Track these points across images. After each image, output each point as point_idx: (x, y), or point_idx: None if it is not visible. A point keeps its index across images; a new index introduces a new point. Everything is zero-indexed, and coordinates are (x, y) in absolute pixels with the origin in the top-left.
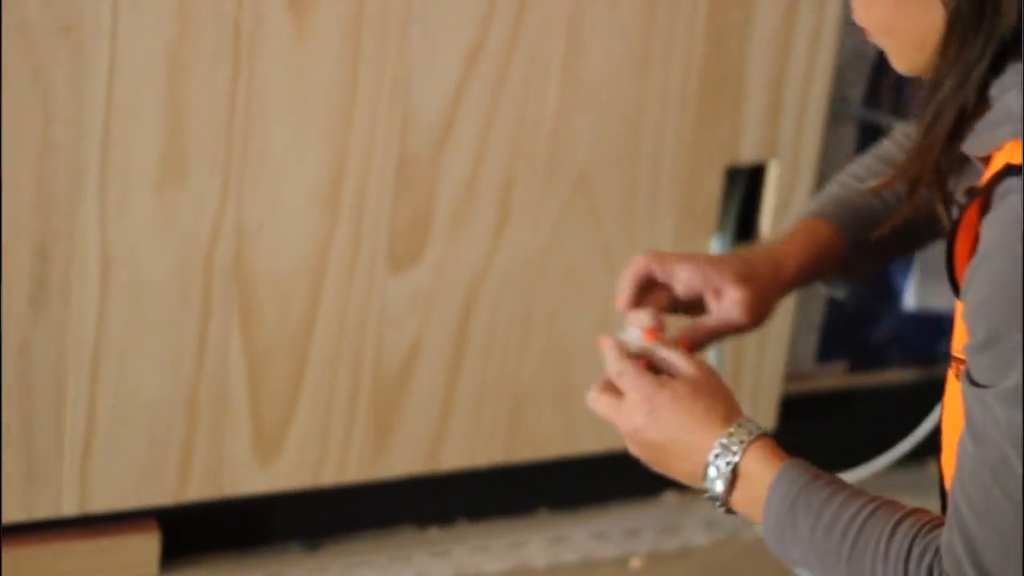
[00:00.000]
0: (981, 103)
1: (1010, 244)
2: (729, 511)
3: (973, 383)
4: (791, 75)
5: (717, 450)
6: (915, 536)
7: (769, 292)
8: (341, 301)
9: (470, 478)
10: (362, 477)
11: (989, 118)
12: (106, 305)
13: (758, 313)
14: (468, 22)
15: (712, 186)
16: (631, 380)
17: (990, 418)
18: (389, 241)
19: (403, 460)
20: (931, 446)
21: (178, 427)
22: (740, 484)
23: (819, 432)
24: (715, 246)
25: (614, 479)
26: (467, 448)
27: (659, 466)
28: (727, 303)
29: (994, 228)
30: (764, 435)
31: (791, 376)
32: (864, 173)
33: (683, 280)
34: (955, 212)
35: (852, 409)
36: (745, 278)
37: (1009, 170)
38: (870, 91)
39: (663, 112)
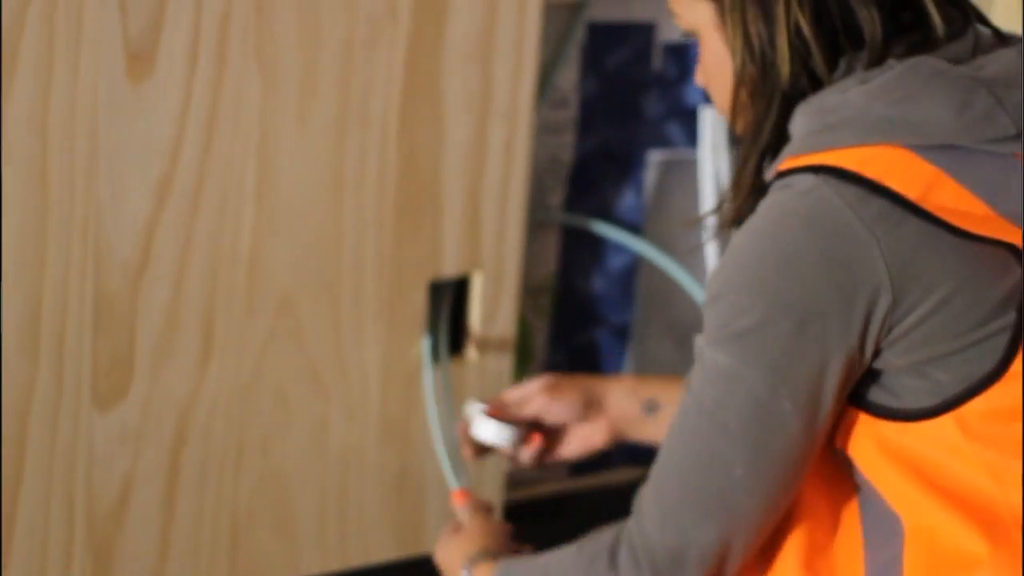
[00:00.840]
0: (783, 142)
1: (753, 223)
2: None
3: (700, 335)
4: (487, 187)
5: None
6: (606, 532)
7: (574, 383)
8: (47, 444)
9: None
10: None
11: (784, 149)
12: None
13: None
14: (156, 155)
15: (417, 301)
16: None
17: (699, 364)
18: (92, 380)
19: None
20: None
21: None
22: None
23: (543, 537)
24: (424, 358)
25: None
26: None
27: None
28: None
29: (752, 215)
30: (497, 556)
31: (512, 483)
32: None
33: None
34: None
35: (575, 513)
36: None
37: (780, 175)
38: (570, 196)
39: (361, 231)
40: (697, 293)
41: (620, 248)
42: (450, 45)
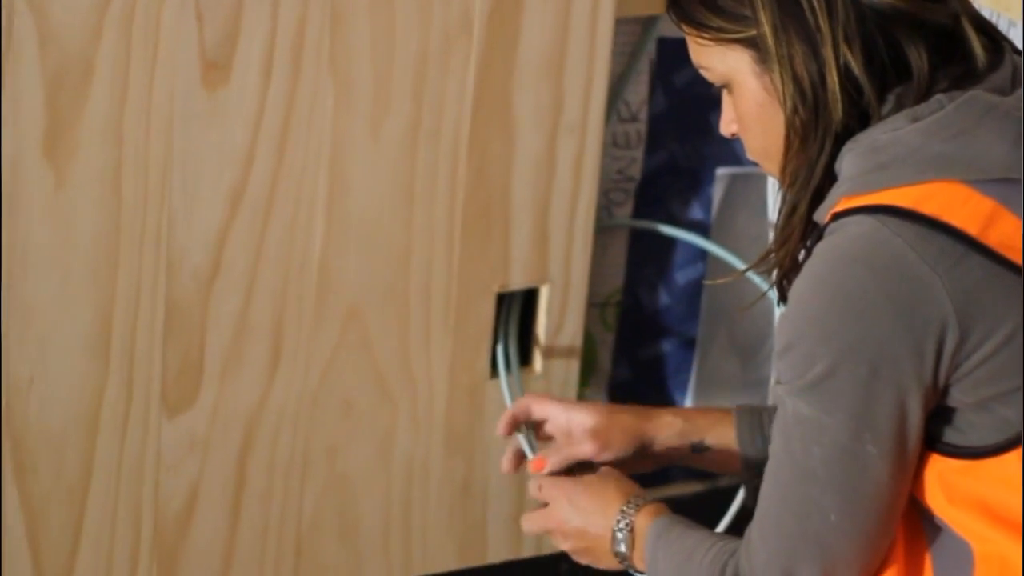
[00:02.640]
0: (832, 183)
1: (814, 269)
2: (639, 572)
3: (778, 383)
4: (556, 200)
5: (619, 517)
6: (730, 547)
7: (624, 428)
8: (116, 449)
9: None
10: None
11: (832, 189)
12: None
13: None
14: (229, 163)
15: (484, 313)
16: (550, 485)
17: (783, 412)
18: (162, 386)
19: None
20: None
21: None
22: (636, 542)
23: None
24: (499, 365)
25: None
26: None
27: (586, 554)
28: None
29: (810, 260)
30: (656, 501)
31: None
32: None
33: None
34: None
35: None
36: (605, 412)
37: (835, 217)
38: (637, 210)
39: (430, 243)
40: (768, 295)
41: (687, 263)
42: (522, 59)
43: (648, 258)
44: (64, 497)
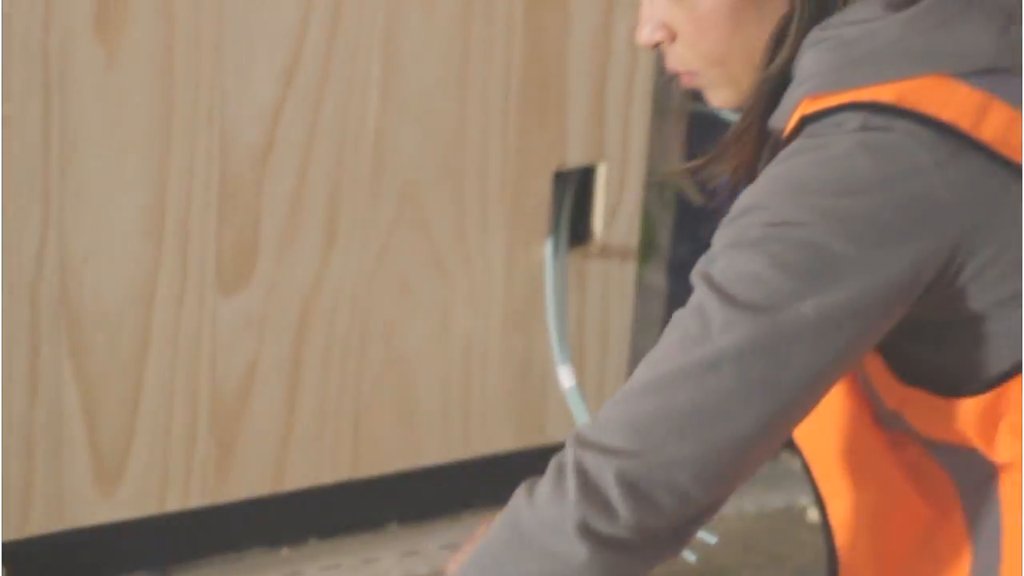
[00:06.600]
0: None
1: (790, 152)
2: None
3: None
4: (613, 77)
5: None
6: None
7: None
8: (172, 327)
9: (318, 496)
10: (207, 501)
11: (789, 90)
12: None
13: None
14: (281, 40)
15: (541, 191)
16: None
17: (702, 273)
18: (217, 264)
19: (247, 482)
20: None
21: (15, 462)
22: None
23: None
24: (548, 250)
25: (461, 490)
26: (311, 467)
27: None
28: None
29: (785, 157)
30: None
31: None
32: None
33: None
34: None
35: None
36: None
37: (804, 121)
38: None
39: (486, 120)
40: None
41: None
42: None
43: (708, 136)
44: (120, 374)
